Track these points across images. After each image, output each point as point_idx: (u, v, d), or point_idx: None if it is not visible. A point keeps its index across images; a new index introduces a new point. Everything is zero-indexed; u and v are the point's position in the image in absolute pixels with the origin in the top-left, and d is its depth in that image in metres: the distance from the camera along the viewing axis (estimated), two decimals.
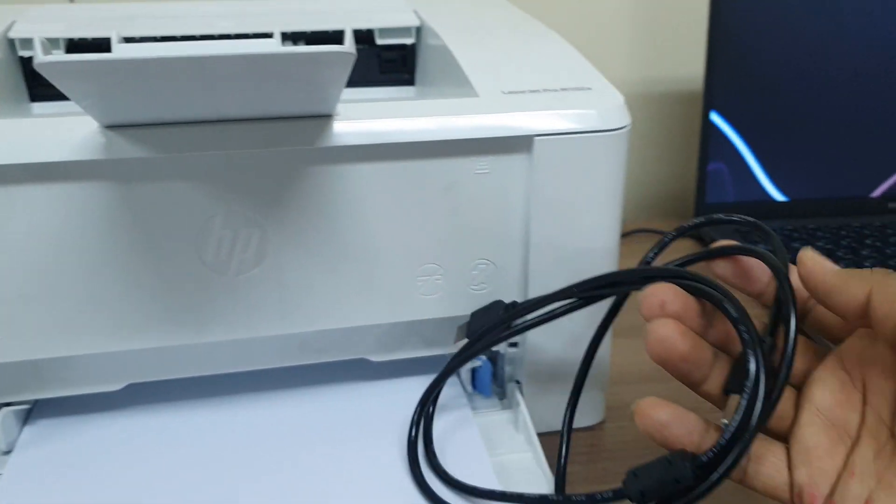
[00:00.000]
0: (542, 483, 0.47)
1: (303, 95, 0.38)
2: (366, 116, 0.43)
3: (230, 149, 0.41)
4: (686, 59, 0.94)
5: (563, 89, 0.47)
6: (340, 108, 0.43)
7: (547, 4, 0.77)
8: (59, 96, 0.56)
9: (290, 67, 0.32)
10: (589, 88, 0.48)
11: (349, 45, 0.31)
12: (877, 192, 0.87)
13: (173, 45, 0.29)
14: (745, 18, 0.80)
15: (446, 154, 0.45)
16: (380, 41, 0.61)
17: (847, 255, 0.77)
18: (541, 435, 0.50)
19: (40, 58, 0.28)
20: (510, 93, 0.47)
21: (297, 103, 0.40)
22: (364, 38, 0.60)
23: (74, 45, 0.55)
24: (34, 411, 0.50)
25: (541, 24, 0.60)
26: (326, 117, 0.42)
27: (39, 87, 0.57)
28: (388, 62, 0.63)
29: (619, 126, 0.46)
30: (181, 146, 0.41)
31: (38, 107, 0.57)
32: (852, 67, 0.82)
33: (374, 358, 0.52)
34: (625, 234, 0.79)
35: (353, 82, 0.59)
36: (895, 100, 0.84)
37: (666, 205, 1.00)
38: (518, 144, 0.45)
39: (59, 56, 0.28)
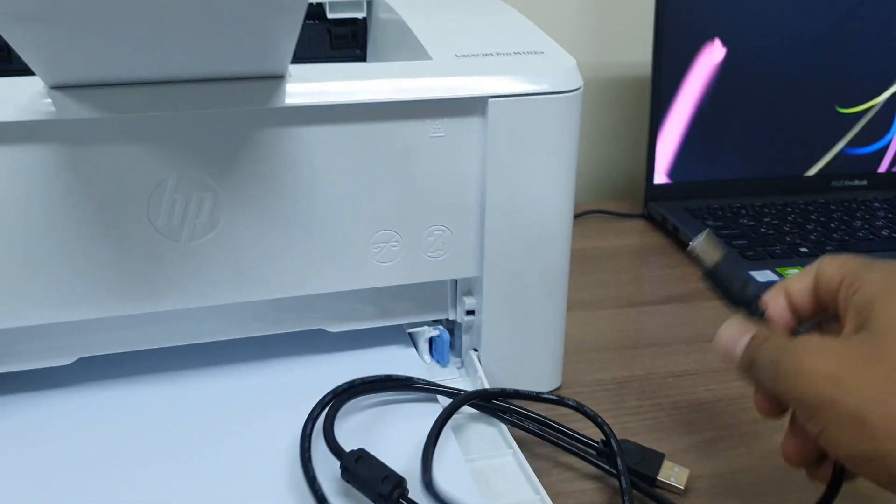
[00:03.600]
0: (505, 448, 0.47)
1: (254, 49, 0.38)
2: (319, 78, 0.43)
3: (181, 109, 0.41)
4: (635, 44, 0.95)
5: (517, 53, 0.47)
6: (293, 70, 0.42)
7: None
8: (2, 72, 0.56)
9: (240, 9, 0.31)
10: (542, 52, 0.48)
11: None
12: (811, 172, 0.89)
13: None
14: (691, 3, 0.82)
15: (401, 117, 0.44)
16: (331, 15, 0.60)
17: (793, 229, 0.79)
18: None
19: None
20: (464, 56, 0.47)
21: (247, 60, 0.39)
22: (315, 12, 0.60)
23: None
24: None
25: None
26: (279, 78, 0.42)
27: None
28: (338, 38, 0.62)
29: (573, 88, 0.46)
30: (131, 106, 0.40)
31: None
32: (790, 58, 0.85)
33: (331, 328, 0.51)
34: (577, 216, 0.80)
35: (304, 58, 0.59)
36: (828, 85, 0.86)
37: (617, 187, 1.01)
38: (473, 107, 0.45)
39: None
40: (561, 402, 0.48)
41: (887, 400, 0.31)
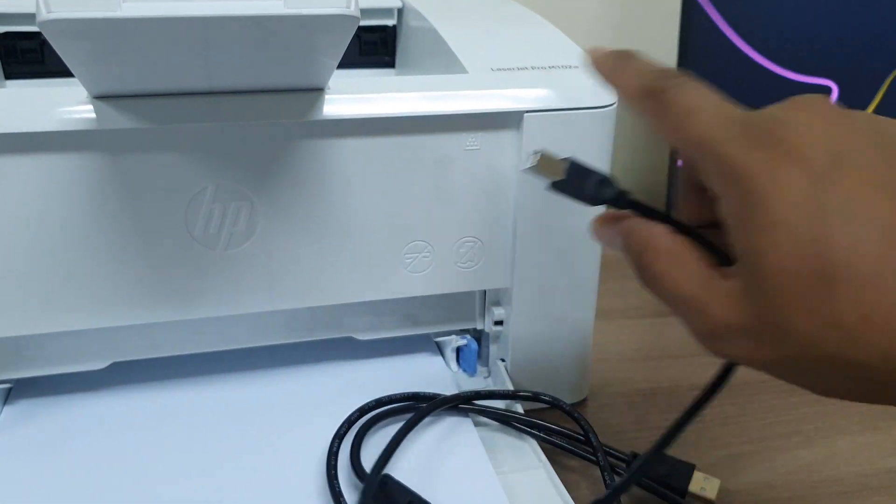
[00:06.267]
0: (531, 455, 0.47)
1: (299, 64, 0.38)
2: (358, 91, 0.43)
3: (221, 121, 0.41)
4: (659, 49, 0.95)
5: (551, 67, 0.48)
6: (332, 82, 0.43)
7: None
8: (35, 74, 0.56)
9: (293, 29, 0.31)
10: (576, 66, 0.48)
11: (354, 7, 0.31)
12: None
13: (179, 5, 0.29)
14: (717, 13, 0.82)
15: (437, 130, 0.45)
16: (361, 22, 0.60)
17: None
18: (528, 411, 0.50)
19: (43, 15, 0.28)
20: (499, 70, 0.47)
21: (291, 74, 0.40)
22: None
23: None
24: (14, 391, 0.49)
25: (521, 6, 0.60)
26: (318, 91, 0.42)
27: (14, 65, 0.56)
28: (368, 44, 0.62)
29: (607, 103, 0.46)
30: (172, 117, 0.40)
31: (13, 85, 0.56)
32: (819, 69, 0.85)
33: (361, 336, 0.52)
34: None
35: None
36: (845, 91, 0.86)
37: (637, 192, 1.01)
38: (508, 120, 0.45)
39: (63, 13, 0.28)
40: (535, 397, 0.50)
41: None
